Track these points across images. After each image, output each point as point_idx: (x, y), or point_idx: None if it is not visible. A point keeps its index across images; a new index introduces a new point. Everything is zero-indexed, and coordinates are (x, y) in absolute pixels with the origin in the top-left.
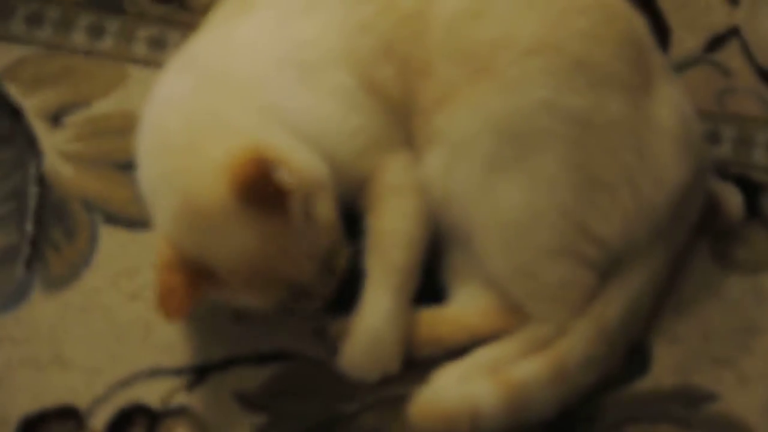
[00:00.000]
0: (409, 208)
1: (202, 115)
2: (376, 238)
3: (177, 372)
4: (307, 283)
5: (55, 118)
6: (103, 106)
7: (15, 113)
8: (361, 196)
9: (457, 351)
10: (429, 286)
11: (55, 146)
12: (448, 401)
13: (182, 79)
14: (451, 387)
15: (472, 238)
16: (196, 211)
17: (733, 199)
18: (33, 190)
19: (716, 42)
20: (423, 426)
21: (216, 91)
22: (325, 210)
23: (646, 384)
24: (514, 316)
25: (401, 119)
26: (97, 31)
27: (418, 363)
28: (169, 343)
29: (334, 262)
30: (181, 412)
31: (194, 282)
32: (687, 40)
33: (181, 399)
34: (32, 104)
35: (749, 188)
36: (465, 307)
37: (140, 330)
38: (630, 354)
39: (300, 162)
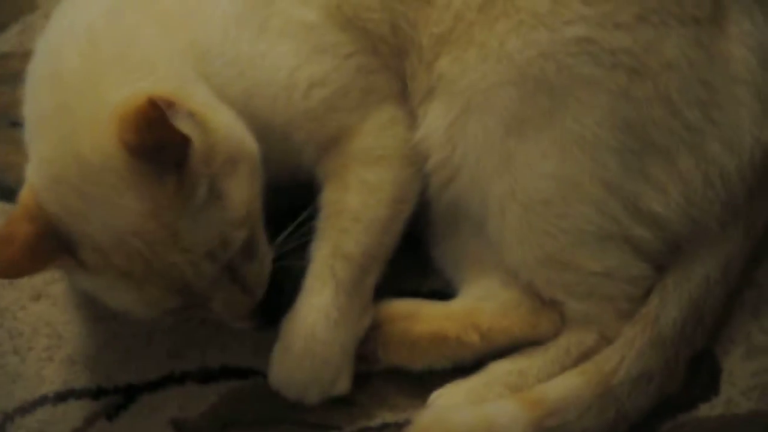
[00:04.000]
0: (380, 181)
1: (112, 45)
2: (328, 216)
3: (95, 394)
4: (202, 290)
5: None
6: (0, 43)
7: None
8: (319, 165)
9: (461, 368)
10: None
11: None
12: (459, 426)
13: None
14: (461, 408)
15: (487, 218)
16: (71, 159)
17: None
18: None
19: None
20: None
21: (134, 17)
22: (240, 190)
23: (714, 408)
24: (543, 317)
25: (388, 62)
26: None
27: (409, 379)
28: (85, 354)
29: (244, 271)
30: None
31: (43, 244)
32: None
33: (102, 430)
34: None
35: None
36: (476, 302)
37: (45, 338)
38: (693, 369)
39: (218, 122)
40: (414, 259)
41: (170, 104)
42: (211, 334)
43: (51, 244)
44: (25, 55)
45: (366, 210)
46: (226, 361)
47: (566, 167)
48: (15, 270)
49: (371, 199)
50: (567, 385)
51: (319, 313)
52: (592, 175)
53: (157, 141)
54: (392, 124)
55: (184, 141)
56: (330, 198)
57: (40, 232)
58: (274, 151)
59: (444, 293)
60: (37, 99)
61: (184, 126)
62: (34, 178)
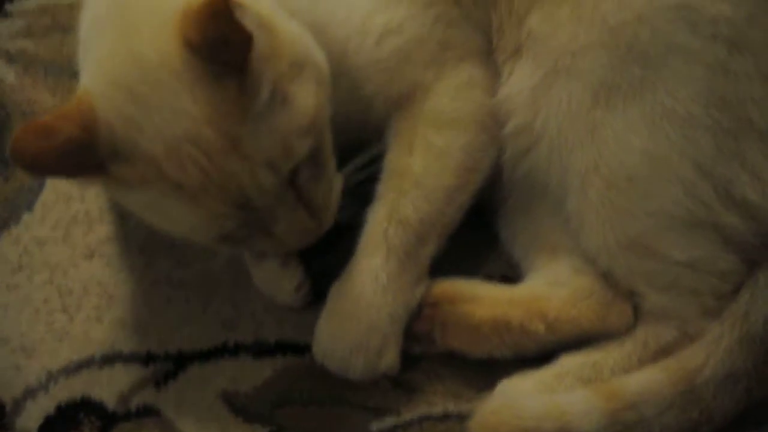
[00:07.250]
0: (449, 146)
1: None
2: (389, 178)
3: (144, 360)
4: (263, 205)
5: None
6: None
7: None
8: (388, 124)
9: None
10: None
11: None
12: (529, 415)
13: None
14: (532, 395)
15: (566, 195)
16: (128, 58)
17: None
18: None
19: None
20: None
21: None
22: (306, 96)
23: None
24: (614, 310)
25: (471, 13)
26: None
27: (471, 369)
28: (136, 319)
29: (310, 191)
30: (146, 414)
31: (84, 154)
32: None
33: (148, 397)
34: None
35: None
36: (544, 288)
37: (95, 298)
38: None
39: (284, 28)
40: (483, 240)
41: (238, 4)
42: (268, 307)
43: (91, 157)
44: None
45: (429, 175)
46: (283, 336)
47: (655, 143)
48: (42, 166)
49: (436, 164)
50: (647, 379)
51: (368, 276)
52: (682, 153)
53: (220, 37)
54: (469, 86)
55: (248, 39)
56: (393, 159)
57: (86, 141)
58: (341, 103)
59: (511, 279)
60: (93, 3)
61: (249, 24)
62: (89, 81)
